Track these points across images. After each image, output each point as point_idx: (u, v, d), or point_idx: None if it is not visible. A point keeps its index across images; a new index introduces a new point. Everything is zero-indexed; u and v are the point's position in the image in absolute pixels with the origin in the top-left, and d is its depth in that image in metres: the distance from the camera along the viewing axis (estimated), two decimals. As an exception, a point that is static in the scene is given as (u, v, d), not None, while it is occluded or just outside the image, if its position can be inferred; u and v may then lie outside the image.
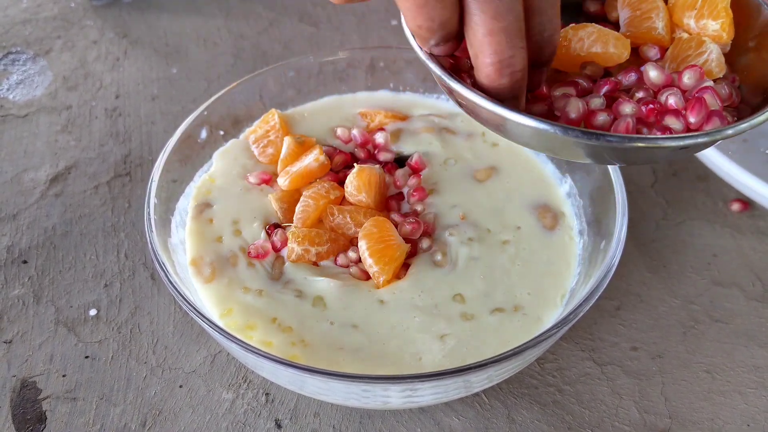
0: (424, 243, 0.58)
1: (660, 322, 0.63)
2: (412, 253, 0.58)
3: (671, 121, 0.45)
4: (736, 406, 0.57)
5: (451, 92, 0.46)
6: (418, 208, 0.61)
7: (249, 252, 0.58)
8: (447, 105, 0.73)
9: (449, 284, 0.56)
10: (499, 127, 0.46)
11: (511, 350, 0.46)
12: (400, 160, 0.66)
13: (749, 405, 0.57)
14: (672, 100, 0.46)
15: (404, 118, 0.71)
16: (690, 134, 0.44)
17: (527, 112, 0.43)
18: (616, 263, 0.52)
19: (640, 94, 0.48)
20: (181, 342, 0.62)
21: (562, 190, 0.64)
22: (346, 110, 0.72)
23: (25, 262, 0.68)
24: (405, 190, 0.63)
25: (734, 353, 0.61)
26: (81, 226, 0.71)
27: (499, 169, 0.65)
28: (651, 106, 0.46)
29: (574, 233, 0.60)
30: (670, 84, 0.48)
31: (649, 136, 0.44)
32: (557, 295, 0.56)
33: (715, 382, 0.59)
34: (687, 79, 0.47)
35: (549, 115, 0.47)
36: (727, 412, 0.57)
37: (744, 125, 0.43)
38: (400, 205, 0.62)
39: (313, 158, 0.62)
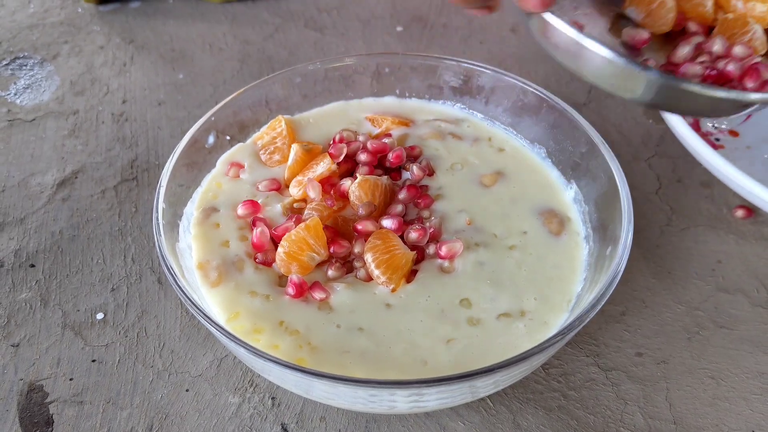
0: (431, 249, 0.58)
1: (665, 328, 0.63)
2: (420, 258, 0.58)
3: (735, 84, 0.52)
4: (740, 412, 0.57)
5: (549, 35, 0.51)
6: (424, 214, 0.62)
7: (256, 258, 0.58)
8: (452, 110, 0.73)
9: (456, 289, 0.56)
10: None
11: (518, 355, 0.46)
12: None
13: (754, 411, 0.57)
14: (731, 67, 0.52)
15: (410, 123, 0.71)
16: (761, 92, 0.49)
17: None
18: (622, 270, 0.52)
19: (702, 59, 0.54)
20: (188, 346, 0.62)
21: (568, 196, 0.64)
22: (352, 116, 0.72)
23: (32, 265, 0.69)
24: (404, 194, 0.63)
25: (739, 359, 0.61)
26: (88, 231, 0.72)
27: (505, 174, 0.65)
28: (714, 71, 0.52)
29: (580, 239, 0.61)
30: (728, 55, 0.53)
31: (731, 89, 0.49)
32: (563, 301, 0.56)
33: (719, 388, 0.59)
34: (738, 51, 0.53)
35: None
36: (732, 418, 0.57)
37: None
38: (405, 211, 0.62)
39: (326, 168, 0.62)
